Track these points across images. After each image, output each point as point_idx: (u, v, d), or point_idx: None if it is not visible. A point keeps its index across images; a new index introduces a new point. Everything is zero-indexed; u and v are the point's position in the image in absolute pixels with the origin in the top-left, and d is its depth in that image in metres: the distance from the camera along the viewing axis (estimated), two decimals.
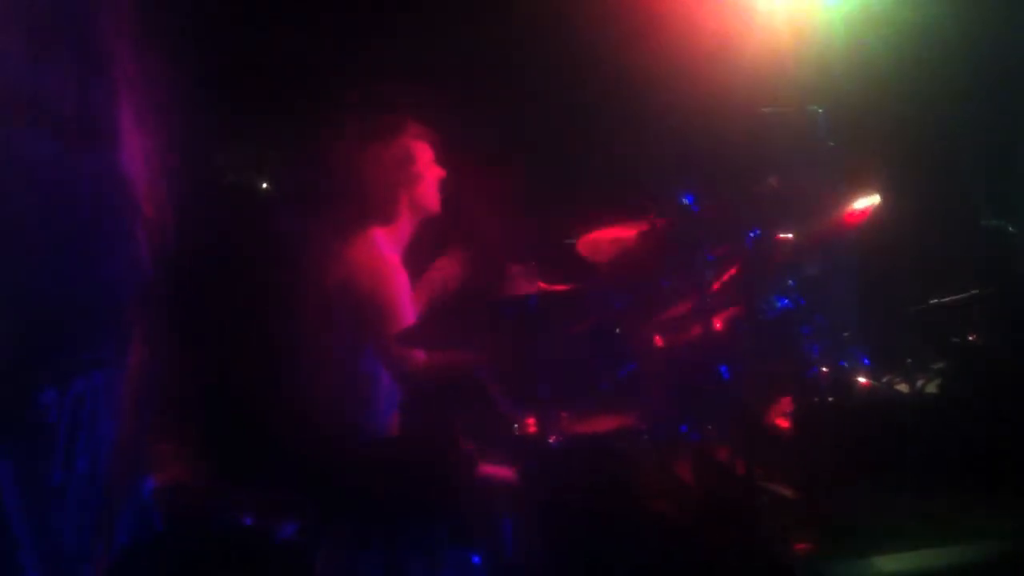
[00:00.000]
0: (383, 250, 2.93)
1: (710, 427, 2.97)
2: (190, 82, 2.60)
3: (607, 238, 3.28)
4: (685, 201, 3.13)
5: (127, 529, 2.32)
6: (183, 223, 2.56)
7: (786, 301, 3.25)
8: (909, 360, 2.95)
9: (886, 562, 2.12)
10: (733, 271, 3.26)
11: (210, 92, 2.86)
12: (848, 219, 3.20)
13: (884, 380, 2.92)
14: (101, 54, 2.16)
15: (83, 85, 2.02)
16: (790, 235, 3.29)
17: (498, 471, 2.75)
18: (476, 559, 2.60)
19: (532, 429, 2.76)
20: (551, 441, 2.68)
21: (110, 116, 2.23)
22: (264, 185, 3.62)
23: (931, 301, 3.02)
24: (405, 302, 2.87)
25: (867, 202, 3.18)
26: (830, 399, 2.82)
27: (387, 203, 2.98)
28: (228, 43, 3.01)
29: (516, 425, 2.84)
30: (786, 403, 2.91)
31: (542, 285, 3.07)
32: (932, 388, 2.85)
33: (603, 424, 2.92)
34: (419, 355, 2.82)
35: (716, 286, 3.15)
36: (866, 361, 3.17)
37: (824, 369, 3.05)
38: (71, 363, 2.00)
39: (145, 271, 2.45)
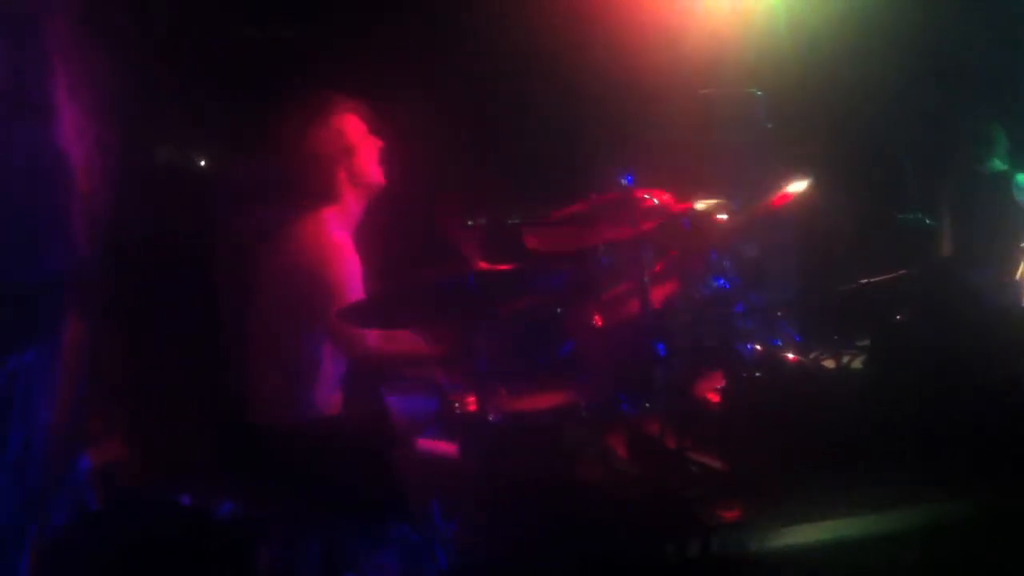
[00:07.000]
0: (330, 229, 2.93)
1: (646, 403, 3.04)
2: (128, 60, 2.57)
3: (547, 219, 3.32)
4: (623, 181, 3.18)
5: (61, 509, 2.32)
6: (121, 202, 2.54)
7: (721, 280, 3.33)
8: (835, 337, 3.04)
9: (806, 531, 2.19)
10: (670, 252, 3.33)
11: (149, 72, 2.83)
12: (781, 201, 3.28)
13: (812, 356, 3.02)
14: (33, 26, 2.14)
15: (13, 57, 2.00)
16: (725, 216, 3.36)
17: (436, 448, 2.79)
18: (414, 536, 2.62)
19: (471, 407, 2.80)
20: (490, 418, 2.72)
21: (43, 90, 2.19)
22: (206, 167, 3.59)
23: (860, 281, 3.10)
24: (354, 281, 2.87)
25: (800, 185, 3.27)
26: (759, 375, 2.91)
27: (327, 180, 2.98)
28: (165, 22, 2.98)
29: (455, 402, 2.87)
30: (718, 378, 2.99)
31: (481, 264, 3.10)
32: (857, 364, 2.94)
33: (541, 401, 2.96)
34: (363, 333, 2.83)
35: (653, 266, 3.22)
36: (797, 338, 3.26)
37: (756, 346, 3.13)
38: (2, 340, 1.98)
39: (80, 249, 2.42)
